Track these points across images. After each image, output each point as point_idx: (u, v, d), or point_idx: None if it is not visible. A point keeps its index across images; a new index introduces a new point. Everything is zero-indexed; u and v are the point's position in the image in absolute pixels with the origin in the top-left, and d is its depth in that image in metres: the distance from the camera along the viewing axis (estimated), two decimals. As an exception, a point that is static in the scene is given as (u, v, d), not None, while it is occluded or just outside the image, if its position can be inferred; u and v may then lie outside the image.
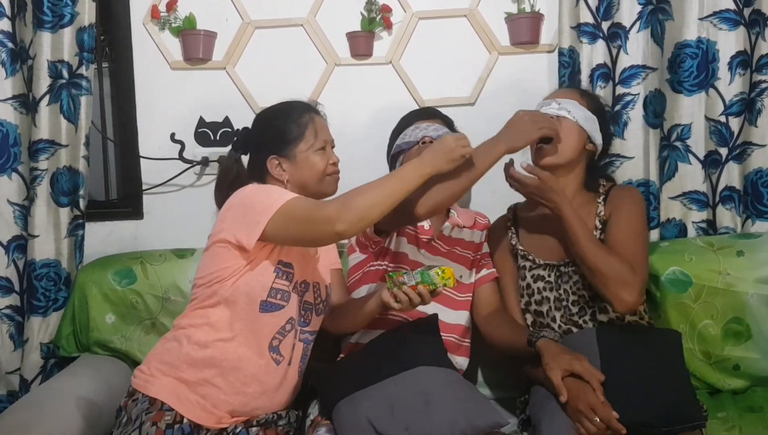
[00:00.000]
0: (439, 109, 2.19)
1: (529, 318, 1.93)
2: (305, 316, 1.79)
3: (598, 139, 1.92)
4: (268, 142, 1.81)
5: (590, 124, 1.89)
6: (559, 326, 1.87)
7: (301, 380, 1.84)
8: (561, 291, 1.87)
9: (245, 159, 1.89)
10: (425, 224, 1.99)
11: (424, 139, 2.00)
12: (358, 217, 1.54)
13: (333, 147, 1.85)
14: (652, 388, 1.63)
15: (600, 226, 1.88)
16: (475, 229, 2.07)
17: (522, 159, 1.87)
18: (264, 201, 1.63)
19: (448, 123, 2.11)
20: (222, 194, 1.80)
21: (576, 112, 1.87)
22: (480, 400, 1.70)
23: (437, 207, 1.72)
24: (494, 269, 2.03)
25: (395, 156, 2.09)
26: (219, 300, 1.70)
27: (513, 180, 1.83)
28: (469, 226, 2.06)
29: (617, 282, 1.71)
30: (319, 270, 1.89)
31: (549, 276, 1.89)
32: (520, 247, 1.97)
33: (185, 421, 1.65)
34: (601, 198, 1.92)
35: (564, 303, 1.87)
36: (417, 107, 2.33)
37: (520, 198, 2.09)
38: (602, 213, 1.89)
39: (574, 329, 1.85)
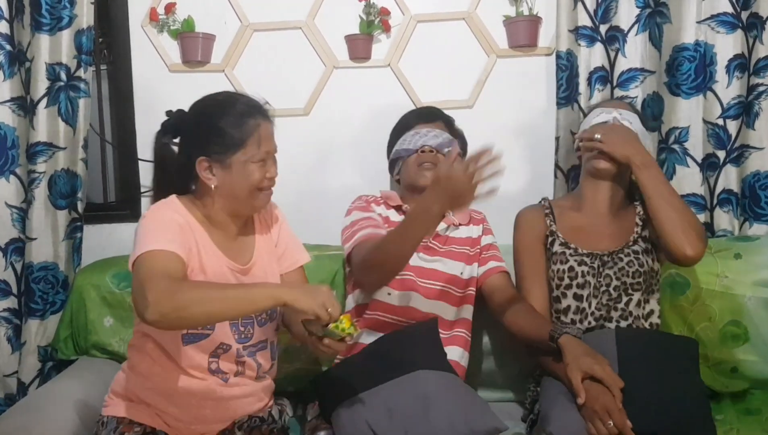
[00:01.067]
0: (438, 111, 2.19)
1: (565, 302, 1.91)
2: (245, 331, 1.67)
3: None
4: (202, 139, 1.62)
5: (644, 138, 1.96)
6: (592, 313, 1.88)
7: (272, 381, 1.79)
8: (602, 277, 1.88)
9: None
10: None
11: (423, 148, 1.99)
12: (174, 309, 1.37)
13: (275, 154, 1.68)
14: (667, 398, 1.62)
15: (641, 223, 1.92)
16: (471, 225, 2.08)
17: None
18: (138, 241, 1.51)
19: (450, 123, 2.11)
20: (158, 182, 1.71)
21: (636, 125, 1.94)
22: (480, 405, 1.69)
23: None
24: (502, 263, 2.02)
25: (394, 161, 2.09)
26: (147, 335, 1.65)
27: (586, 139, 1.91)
28: (465, 223, 2.07)
29: (696, 234, 1.78)
30: (259, 278, 1.70)
31: (593, 263, 1.90)
32: (560, 235, 1.96)
33: (158, 430, 1.64)
34: (638, 217, 1.95)
35: (603, 289, 1.88)
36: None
37: (525, 199, 2.11)
38: (641, 213, 1.93)
39: (606, 315, 1.86)
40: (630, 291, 1.87)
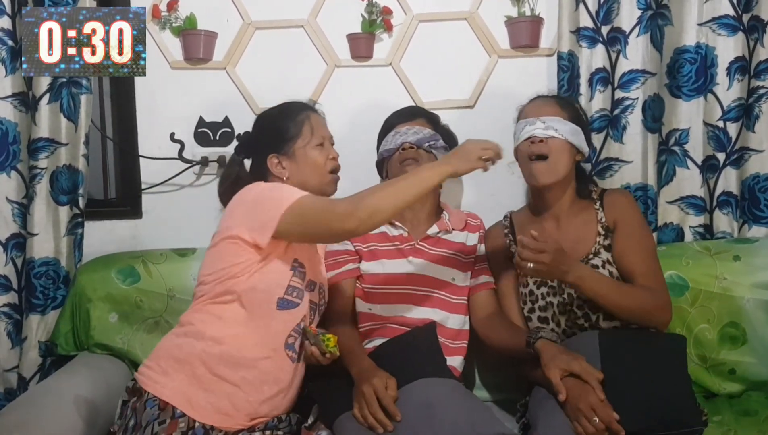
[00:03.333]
0: (439, 111, 2.19)
1: (533, 324, 1.93)
2: (311, 316, 1.80)
3: (585, 148, 1.95)
4: (267, 141, 1.85)
5: (577, 137, 1.91)
6: (564, 331, 1.88)
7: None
8: (565, 295, 1.87)
9: (248, 162, 1.93)
10: (403, 232, 2.00)
11: (404, 145, 2.00)
12: (369, 214, 1.59)
13: (332, 143, 1.89)
14: (651, 391, 1.63)
15: (603, 232, 1.89)
16: (467, 232, 2.05)
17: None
18: (275, 197, 1.67)
19: (434, 121, 2.09)
20: (226, 195, 1.84)
21: (563, 129, 1.88)
22: (484, 411, 1.68)
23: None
24: (492, 279, 2.02)
25: (379, 163, 2.12)
26: (233, 296, 1.68)
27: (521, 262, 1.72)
28: (459, 229, 2.04)
29: (655, 310, 1.80)
30: (322, 272, 1.92)
31: (553, 281, 1.89)
32: None
33: (197, 425, 1.61)
34: (597, 204, 1.94)
35: (568, 307, 1.87)
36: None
37: (519, 199, 2.11)
38: (603, 219, 1.91)
39: (578, 333, 1.86)
40: (596, 308, 1.84)
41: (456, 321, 1.98)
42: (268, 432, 1.70)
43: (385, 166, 2.08)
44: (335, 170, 1.86)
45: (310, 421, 1.81)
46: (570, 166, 1.92)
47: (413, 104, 2.32)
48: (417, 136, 2.00)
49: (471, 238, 2.05)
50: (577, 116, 1.97)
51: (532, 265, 1.69)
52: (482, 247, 2.07)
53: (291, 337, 1.72)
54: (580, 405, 1.59)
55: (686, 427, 1.62)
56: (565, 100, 2.04)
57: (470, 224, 2.08)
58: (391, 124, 2.09)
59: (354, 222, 1.58)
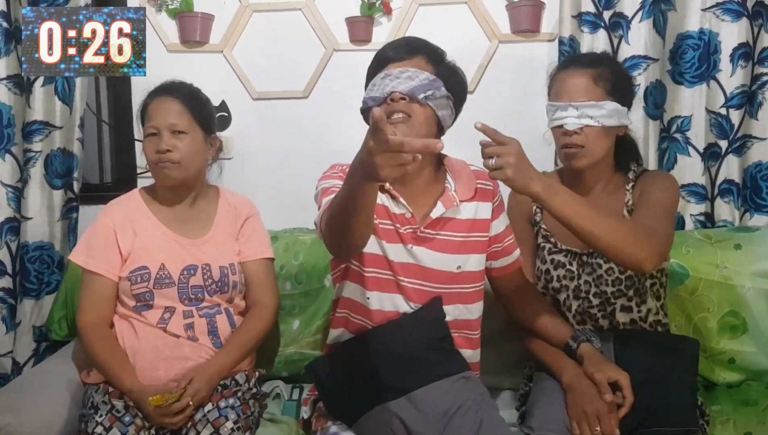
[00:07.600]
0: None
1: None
2: (196, 297, 1.83)
3: (627, 121, 1.75)
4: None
5: (615, 117, 1.70)
6: (574, 316, 1.80)
7: None
8: (581, 281, 1.79)
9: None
10: (406, 212, 1.65)
11: (393, 95, 1.58)
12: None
13: (176, 131, 1.82)
14: (652, 393, 1.59)
15: (627, 214, 1.77)
16: (477, 201, 1.69)
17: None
18: (82, 241, 1.93)
19: (436, 58, 1.66)
20: None
21: (599, 114, 1.67)
22: (494, 423, 1.56)
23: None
24: (519, 253, 1.78)
25: (364, 112, 1.71)
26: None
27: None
28: (468, 199, 1.68)
29: (636, 245, 1.54)
30: (210, 252, 1.87)
31: (570, 264, 1.80)
32: (544, 227, 1.85)
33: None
34: (630, 185, 1.79)
35: (583, 294, 1.79)
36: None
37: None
38: (629, 202, 1.78)
39: (589, 322, 1.80)
40: (612, 300, 1.77)
41: (471, 311, 1.72)
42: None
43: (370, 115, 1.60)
44: (161, 162, 1.82)
45: (306, 416, 1.73)
46: (609, 146, 1.74)
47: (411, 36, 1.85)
48: (410, 84, 1.57)
49: (482, 210, 1.69)
50: (615, 84, 1.71)
51: (494, 160, 1.42)
52: (500, 224, 1.74)
53: (161, 326, 1.81)
54: (587, 408, 1.55)
55: (678, 425, 1.58)
56: (600, 68, 1.73)
57: (481, 190, 1.70)
58: (382, 59, 1.66)
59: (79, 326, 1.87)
